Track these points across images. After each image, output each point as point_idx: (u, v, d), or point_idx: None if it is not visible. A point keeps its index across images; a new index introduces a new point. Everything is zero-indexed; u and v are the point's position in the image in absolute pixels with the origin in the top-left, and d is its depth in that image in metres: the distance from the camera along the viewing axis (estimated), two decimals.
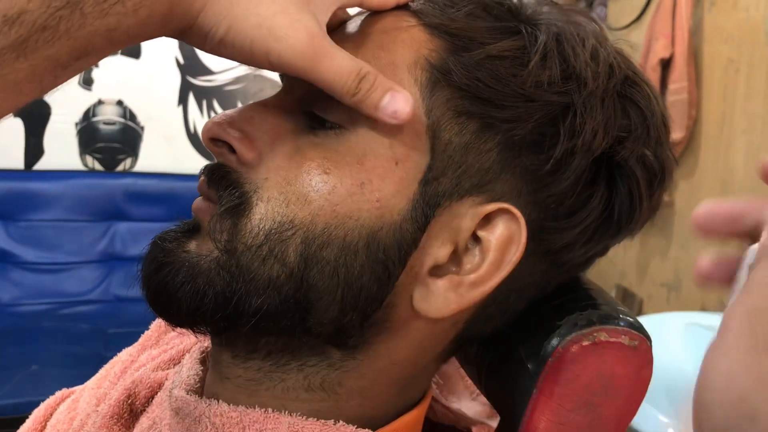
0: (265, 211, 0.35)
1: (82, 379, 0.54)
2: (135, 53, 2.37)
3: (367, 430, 0.37)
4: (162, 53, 2.41)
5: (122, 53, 2.35)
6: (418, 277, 0.37)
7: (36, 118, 2.30)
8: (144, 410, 0.46)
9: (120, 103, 2.39)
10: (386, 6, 0.38)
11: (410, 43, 0.37)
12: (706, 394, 0.24)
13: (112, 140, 2.40)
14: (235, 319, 0.36)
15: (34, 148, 2.31)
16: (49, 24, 0.28)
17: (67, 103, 2.33)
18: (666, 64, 1.89)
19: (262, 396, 0.38)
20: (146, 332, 0.56)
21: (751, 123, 1.70)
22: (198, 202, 0.38)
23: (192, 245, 0.37)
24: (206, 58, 2.46)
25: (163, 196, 2.36)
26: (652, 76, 1.89)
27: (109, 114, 2.39)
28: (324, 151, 0.36)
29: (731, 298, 0.28)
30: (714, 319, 1.32)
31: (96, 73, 2.35)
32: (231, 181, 0.36)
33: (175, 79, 2.44)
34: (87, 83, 2.34)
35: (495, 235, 0.36)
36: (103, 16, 0.29)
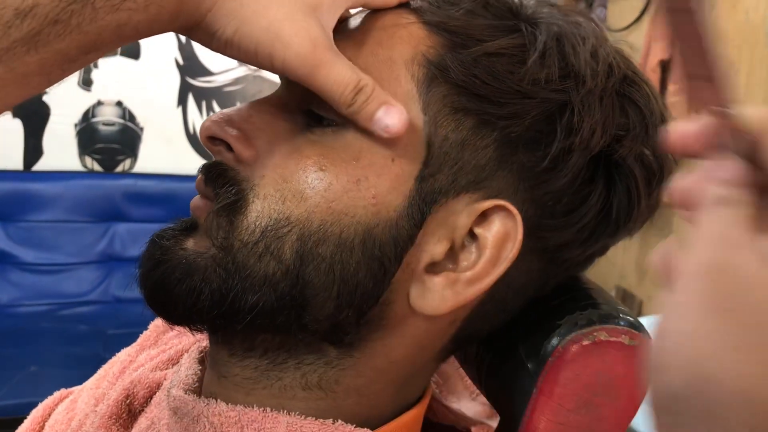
0: (262, 208, 0.35)
1: (81, 380, 0.54)
2: (134, 54, 2.37)
3: (365, 429, 0.37)
4: (161, 54, 2.41)
5: (121, 54, 2.35)
6: (414, 274, 0.37)
7: (35, 119, 2.30)
8: (142, 410, 0.46)
9: (119, 104, 2.39)
10: (389, 4, 0.38)
11: (408, 39, 0.37)
12: (664, 357, 0.23)
13: (111, 141, 2.39)
14: (231, 316, 0.36)
15: (33, 149, 2.31)
16: (61, 18, 0.29)
17: (66, 103, 2.32)
18: (666, 66, 1.90)
19: (259, 395, 0.38)
20: (145, 332, 0.56)
21: None
22: (196, 200, 0.39)
23: (189, 243, 0.37)
24: (206, 59, 2.46)
25: (162, 196, 2.36)
26: (652, 77, 1.89)
27: (108, 115, 2.38)
28: (320, 149, 0.36)
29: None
30: None
31: (95, 74, 2.34)
32: (228, 178, 0.37)
33: (175, 80, 2.44)
34: (86, 84, 2.34)
35: (491, 232, 0.36)
36: (114, 11, 0.30)
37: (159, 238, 0.37)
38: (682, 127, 0.27)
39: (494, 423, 0.47)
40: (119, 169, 2.42)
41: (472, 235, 0.37)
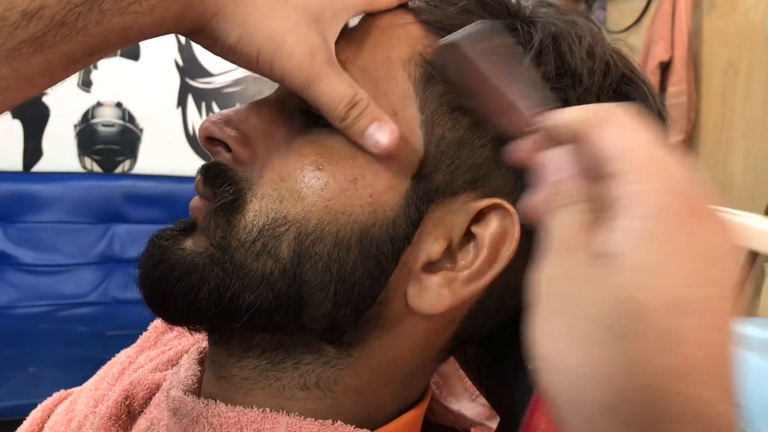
0: (259, 208, 0.35)
1: (80, 381, 0.54)
2: (134, 55, 2.37)
3: (365, 429, 0.37)
4: (161, 55, 2.41)
5: (121, 55, 2.35)
6: (411, 273, 0.37)
7: (34, 120, 2.30)
8: (142, 411, 0.46)
9: (119, 105, 2.39)
10: (390, 6, 0.38)
11: (406, 39, 0.37)
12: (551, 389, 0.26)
13: (110, 142, 2.40)
14: (229, 315, 0.36)
15: (32, 150, 2.31)
16: (68, 20, 0.29)
17: (65, 104, 2.33)
18: (665, 68, 1.90)
19: (258, 395, 0.38)
20: (144, 333, 0.56)
21: (750, 126, 1.71)
22: (194, 200, 0.39)
23: (188, 243, 0.37)
24: (205, 60, 2.46)
25: (161, 198, 2.36)
26: (652, 79, 1.89)
27: (107, 116, 2.38)
28: (318, 148, 0.36)
29: None
30: None
31: (95, 75, 2.35)
32: (226, 178, 0.37)
33: (174, 81, 2.44)
34: (86, 85, 2.34)
35: (489, 231, 0.36)
36: (120, 14, 0.30)
37: (158, 239, 0.37)
38: (520, 144, 0.31)
39: (494, 424, 0.47)
40: (119, 170, 2.42)
41: (469, 234, 0.37)
